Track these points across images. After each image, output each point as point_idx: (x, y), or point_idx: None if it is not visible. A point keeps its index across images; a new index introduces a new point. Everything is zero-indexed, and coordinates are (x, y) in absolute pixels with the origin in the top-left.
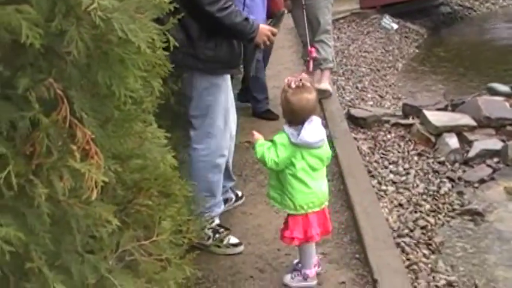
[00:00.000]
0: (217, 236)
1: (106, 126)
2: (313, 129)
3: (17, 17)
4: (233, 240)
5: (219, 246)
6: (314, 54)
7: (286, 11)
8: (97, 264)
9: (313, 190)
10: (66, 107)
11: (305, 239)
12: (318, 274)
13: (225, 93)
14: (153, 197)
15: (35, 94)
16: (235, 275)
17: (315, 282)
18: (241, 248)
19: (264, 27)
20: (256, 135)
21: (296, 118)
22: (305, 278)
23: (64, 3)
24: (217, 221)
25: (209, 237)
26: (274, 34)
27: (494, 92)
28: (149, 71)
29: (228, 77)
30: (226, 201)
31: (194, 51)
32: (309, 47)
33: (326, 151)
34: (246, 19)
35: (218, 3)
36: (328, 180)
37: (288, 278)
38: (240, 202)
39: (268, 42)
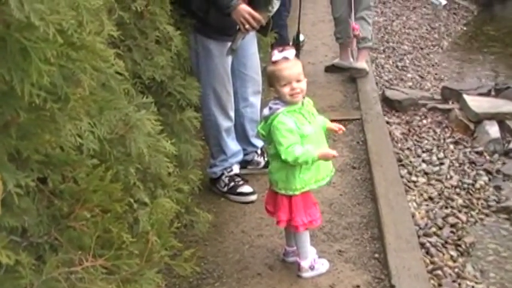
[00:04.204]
0: (232, 184)
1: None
2: None
3: None
4: (247, 189)
5: (233, 194)
6: (358, 31)
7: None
8: None
9: None
10: None
11: None
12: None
13: (219, 60)
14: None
15: None
16: (242, 271)
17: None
18: (253, 198)
19: (245, 9)
20: None
21: None
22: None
23: None
24: (236, 171)
25: (225, 185)
26: (256, 19)
27: None
28: (74, 61)
29: (224, 44)
30: (249, 163)
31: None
32: (353, 24)
33: None
34: None
35: None
36: (354, 168)
37: None
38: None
39: (247, 26)
